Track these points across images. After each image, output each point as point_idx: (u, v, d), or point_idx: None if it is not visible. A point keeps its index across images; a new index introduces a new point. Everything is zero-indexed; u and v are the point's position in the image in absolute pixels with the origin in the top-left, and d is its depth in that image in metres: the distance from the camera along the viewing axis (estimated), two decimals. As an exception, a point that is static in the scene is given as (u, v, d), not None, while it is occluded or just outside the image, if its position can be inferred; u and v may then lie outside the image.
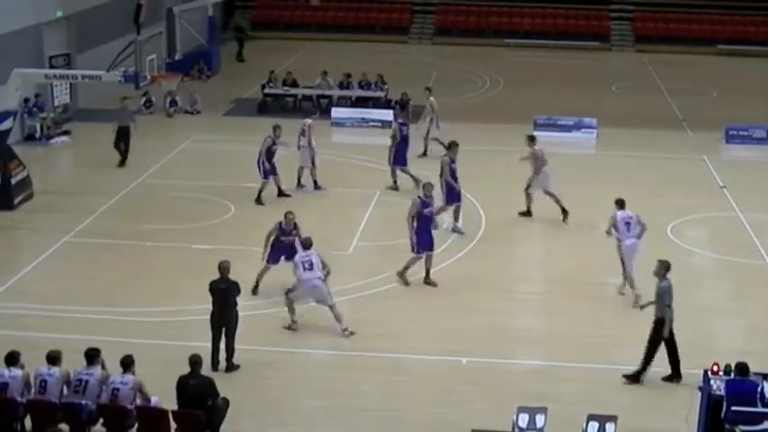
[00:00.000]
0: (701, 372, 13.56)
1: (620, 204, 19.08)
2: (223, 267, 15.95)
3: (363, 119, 31.74)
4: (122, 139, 26.81)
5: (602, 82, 40.12)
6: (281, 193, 24.06)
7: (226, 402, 13.74)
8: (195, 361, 13.57)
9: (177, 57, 39.25)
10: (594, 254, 19.58)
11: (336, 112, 32.06)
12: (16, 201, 23.38)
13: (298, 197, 24.19)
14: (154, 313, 17.83)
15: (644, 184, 25.67)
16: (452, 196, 21.95)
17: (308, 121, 25.27)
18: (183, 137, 29.77)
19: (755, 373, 13.17)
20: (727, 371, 13.28)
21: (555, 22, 48.67)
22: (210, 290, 15.88)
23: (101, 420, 13.35)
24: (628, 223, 18.78)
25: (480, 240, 21.87)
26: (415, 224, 19.11)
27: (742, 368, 13.12)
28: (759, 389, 12.89)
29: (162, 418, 13.14)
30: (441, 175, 21.97)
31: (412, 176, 24.88)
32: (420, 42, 48.65)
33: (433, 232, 19.66)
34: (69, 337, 15.83)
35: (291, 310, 17.18)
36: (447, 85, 37.59)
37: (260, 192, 23.77)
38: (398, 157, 25.05)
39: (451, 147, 22.42)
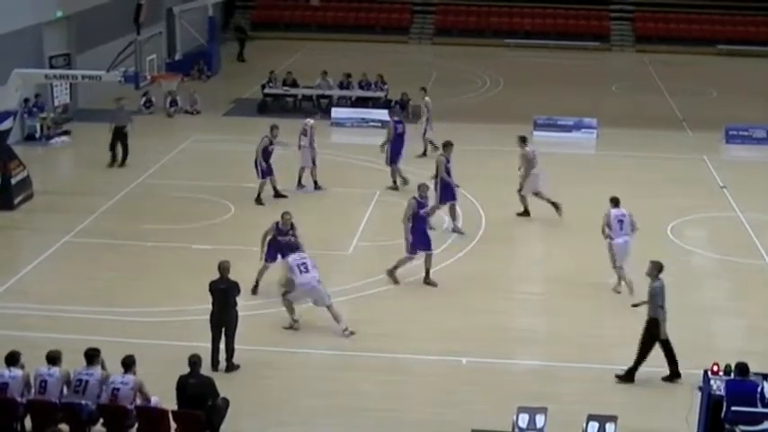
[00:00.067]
0: (701, 372, 13.56)
1: (615, 202, 19.18)
2: (223, 267, 15.95)
3: (363, 119, 31.74)
4: (119, 140, 26.81)
5: (602, 82, 40.13)
6: (276, 194, 24.04)
7: (226, 402, 13.74)
8: (195, 361, 13.58)
9: (177, 57, 39.25)
10: (594, 254, 19.57)
11: (336, 112, 32.07)
12: (16, 201, 23.38)
13: (298, 197, 24.20)
14: (154, 313, 17.84)
15: (644, 184, 25.68)
16: (446, 195, 21.97)
17: (310, 121, 25.27)
18: (183, 137, 29.78)
19: (755, 373, 13.17)
20: (727, 371, 13.27)
21: (555, 22, 48.66)
22: (210, 290, 15.88)
23: (101, 420, 13.36)
24: (621, 221, 18.90)
25: (480, 240, 21.87)
26: (410, 225, 19.14)
27: (742, 368, 13.12)
28: (759, 389, 12.89)
29: (162, 418, 13.14)
30: (435, 176, 22.02)
31: (402, 177, 24.93)
32: (420, 42, 48.65)
33: (432, 233, 19.69)
34: (69, 337, 15.83)
35: (291, 311, 17.19)
36: (447, 85, 37.63)
37: (259, 192, 23.78)
38: (392, 154, 25.10)
39: (446, 146, 22.46)
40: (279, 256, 18.30)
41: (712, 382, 13.23)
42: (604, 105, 35.35)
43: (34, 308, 17.87)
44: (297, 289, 16.98)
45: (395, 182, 25.12)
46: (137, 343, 15.91)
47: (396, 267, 19.30)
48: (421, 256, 19.29)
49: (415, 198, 19.38)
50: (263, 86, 34.13)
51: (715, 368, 13.36)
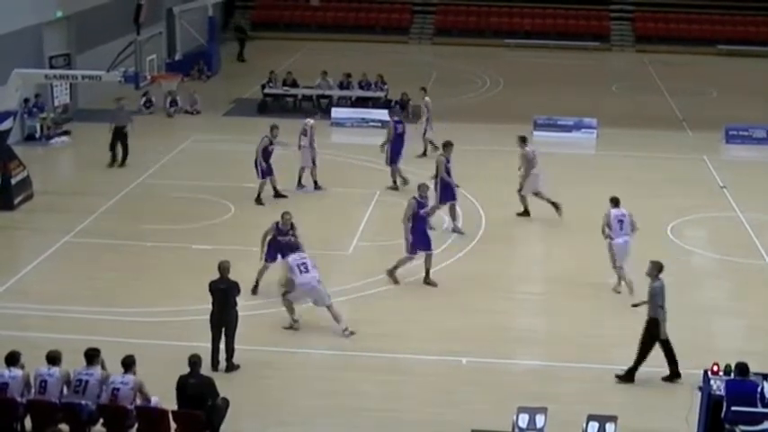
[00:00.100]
0: (701, 372, 13.56)
1: (615, 202, 19.20)
2: (223, 267, 15.95)
3: (363, 119, 31.74)
4: (119, 140, 26.81)
5: (602, 82, 40.13)
6: (276, 194, 24.04)
7: (226, 402, 13.74)
8: (195, 361, 13.58)
9: (177, 57, 39.25)
10: (594, 254, 19.57)
11: (336, 112, 32.07)
12: (16, 201, 23.38)
13: (298, 197, 24.20)
14: (154, 313, 17.83)
15: (644, 184, 25.69)
16: (446, 195, 21.98)
17: (310, 121, 25.28)
18: (183, 137, 29.78)
19: (755, 373, 13.17)
20: (727, 371, 13.27)
21: (555, 22, 48.66)
22: (210, 290, 15.88)
23: (101, 420, 13.36)
24: (621, 221, 18.92)
25: (480, 240, 21.87)
26: (410, 225, 19.14)
27: (742, 368, 13.12)
28: (759, 389, 12.89)
29: (162, 418, 13.14)
30: (435, 176, 22.03)
31: (402, 177, 24.93)
32: (420, 42, 48.65)
33: (432, 232, 19.69)
34: (69, 338, 15.82)
35: (291, 311, 17.20)
36: (447, 85, 37.63)
37: (259, 192, 23.78)
38: (392, 154, 25.10)
39: (446, 146, 22.46)
40: (279, 257, 18.29)
41: (712, 382, 13.23)
42: (604, 105, 35.36)
43: (34, 308, 17.87)
44: (297, 289, 16.98)
45: (395, 182, 25.12)
46: (136, 343, 15.91)
47: (396, 267, 19.31)
48: (421, 256, 19.30)
49: (415, 198, 19.38)
50: (263, 86, 34.13)
51: (715, 368, 13.35)
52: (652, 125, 32.33)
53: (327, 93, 33.90)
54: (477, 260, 20.74)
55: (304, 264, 16.98)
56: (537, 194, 22.86)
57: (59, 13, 31.34)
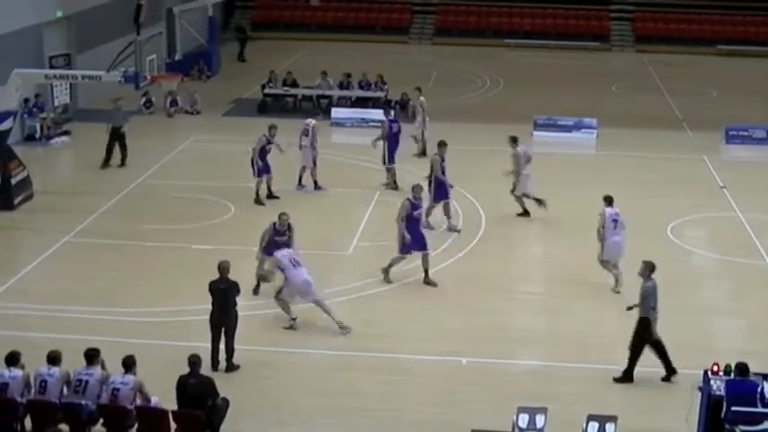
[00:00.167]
0: (701, 372, 13.55)
1: (609, 201, 19.25)
2: (223, 267, 15.95)
3: (363, 119, 31.74)
4: (117, 141, 26.80)
5: (602, 82, 40.13)
6: (270, 194, 23.96)
7: (226, 402, 13.74)
8: (195, 361, 13.58)
9: (177, 57, 39.26)
10: (594, 254, 19.55)
11: (336, 113, 32.08)
12: (16, 201, 23.38)
13: (297, 197, 24.20)
14: (154, 313, 17.83)
15: (644, 184, 25.69)
16: (440, 193, 22.00)
17: (312, 121, 25.30)
18: (183, 137, 29.78)
19: (755, 373, 13.16)
20: (727, 371, 13.26)
21: (555, 23, 48.67)
22: (210, 290, 15.88)
23: (101, 420, 13.36)
24: (615, 220, 18.95)
25: (480, 240, 21.87)
26: (404, 225, 19.13)
27: (742, 368, 13.11)
28: (759, 389, 12.88)
29: (162, 418, 13.14)
30: (429, 175, 22.04)
31: (394, 180, 24.90)
32: (420, 42, 48.65)
33: (432, 233, 19.67)
34: (69, 338, 15.82)
35: (287, 310, 17.18)
36: (447, 85, 37.64)
37: (257, 192, 23.77)
38: (389, 154, 25.10)
39: (441, 145, 22.48)
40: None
41: (712, 382, 13.22)
42: (604, 105, 35.35)
43: (34, 308, 17.87)
44: (289, 284, 16.93)
45: (394, 181, 25.12)
46: (136, 343, 15.90)
47: (389, 266, 19.31)
48: (416, 256, 19.29)
49: (408, 199, 19.38)
50: (263, 86, 34.13)
51: (715, 368, 13.34)
52: (652, 125, 32.33)
53: (327, 93, 33.91)
54: (476, 260, 20.74)
55: (294, 259, 17.00)
56: (525, 195, 22.86)
57: (59, 13, 31.35)
